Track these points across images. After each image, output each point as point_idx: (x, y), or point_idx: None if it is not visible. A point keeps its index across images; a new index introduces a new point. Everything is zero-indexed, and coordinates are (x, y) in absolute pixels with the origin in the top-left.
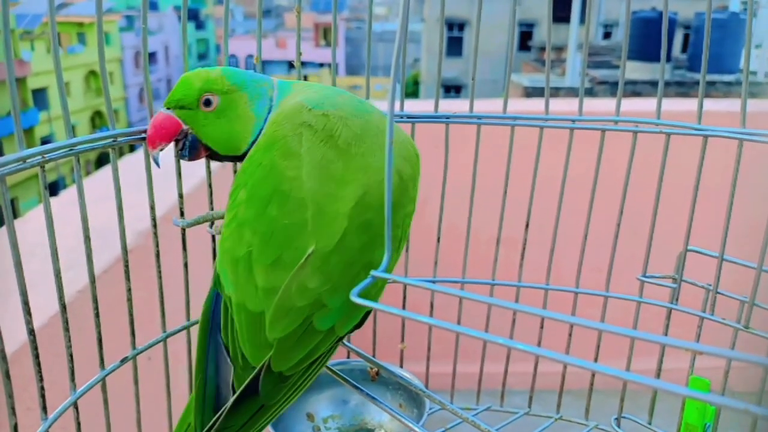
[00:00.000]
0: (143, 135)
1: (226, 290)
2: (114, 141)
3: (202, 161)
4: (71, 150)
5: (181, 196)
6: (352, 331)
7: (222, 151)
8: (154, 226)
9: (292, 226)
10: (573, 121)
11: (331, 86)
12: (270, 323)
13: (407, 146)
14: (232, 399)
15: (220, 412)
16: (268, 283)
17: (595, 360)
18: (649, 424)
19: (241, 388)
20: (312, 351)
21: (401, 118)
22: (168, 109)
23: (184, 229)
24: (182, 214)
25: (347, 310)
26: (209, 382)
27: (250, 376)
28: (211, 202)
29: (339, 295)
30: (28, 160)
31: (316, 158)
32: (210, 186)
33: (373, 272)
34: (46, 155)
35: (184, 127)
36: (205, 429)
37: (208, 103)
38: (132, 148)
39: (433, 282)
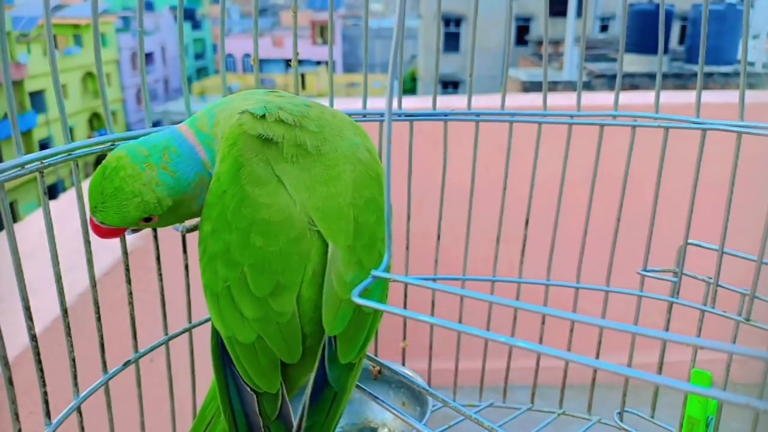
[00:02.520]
0: None
1: (213, 323)
2: (112, 145)
3: None
4: (70, 155)
5: None
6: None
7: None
8: (154, 229)
9: (283, 250)
10: (571, 116)
11: (246, 90)
12: (327, 324)
13: (356, 125)
14: (307, 397)
15: (301, 413)
16: (262, 312)
17: (597, 354)
18: (652, 417)
19: (311, 386)
20: (369, 333)
21: (399, 116)
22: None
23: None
24: None
25: (382, 284)
26: (237, 414)
27: (313, 374)
28: None
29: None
30: (27, 166)
31: (294, 174)
32: None
33: (373, 272)
34: (44, 161)
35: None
36: (294, 430)
37: (148, 219)
38: None
39: (434, 280)
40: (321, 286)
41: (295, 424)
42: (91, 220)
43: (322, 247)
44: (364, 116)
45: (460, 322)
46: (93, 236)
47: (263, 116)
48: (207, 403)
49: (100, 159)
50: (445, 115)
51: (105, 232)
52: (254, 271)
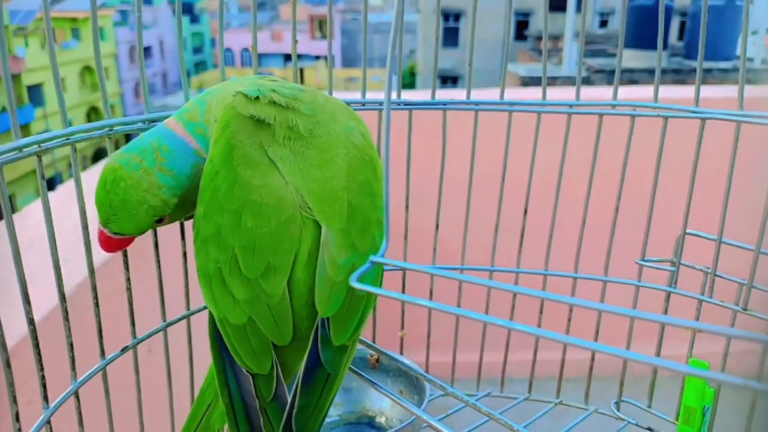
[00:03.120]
0: (140, 125)
1: (207, 305)
2: (110, 130)
3: None
4: (68, 139)
5: None
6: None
7: None
8: None
9: (275, 232)
10: (570, 106)
11: (239, 76)
12: (320, 306)
13: (350, 110)
14: (299, 378)
15: (293, 394)
16: (252, 294)
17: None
18: (649, 407)
19: (303, 367)
20: (362, 316)
21: (398, 105)
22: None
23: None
24: None
25: (375, 270)
26: (234, 396)
27: (306, 355)
28: None
29: (366, 257)
30: (25, 149)
31: (287, 157)
32: None
33: (371, 258)
34: (42, 144)
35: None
36: (286, 409)
37: (160, 220)
38: (128, 139)
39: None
40: (314, 269)
41: (288, 404)
42: (100, 234)
43: (316, 230)
44: (363, 105)
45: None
46: (91, 224)
47: (256, 98)
48: (205, 387)
49: (98, 153)
50: (444, 104)
51: (115, 244)
52: (245, 252)
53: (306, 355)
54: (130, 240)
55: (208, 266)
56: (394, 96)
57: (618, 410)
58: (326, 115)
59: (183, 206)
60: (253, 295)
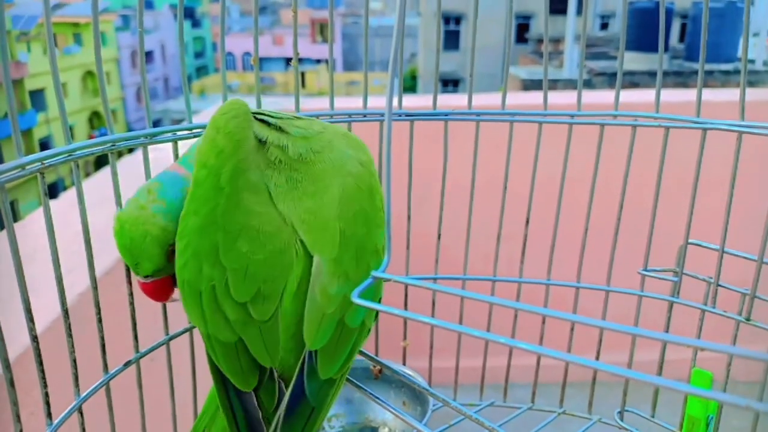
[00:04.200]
0: (142, 140)
1: (190, 318)
2: (113, 146)
3: None
4: (70, 156)
5: None
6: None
7: None
8: None
9: (269, 259)
10: (572, 116)
11: None
12: (308, 337)
13: (351, 138)
14: (282, 411)
15: (274, 427)
16: (243, 316)
17: (598, 353)
18: (653, 416)
19: (286, 398)
20: (352, 349)
21: (399, 116)
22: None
23: None
24: None
25: (374, 287)
26: (236, 409)
27: (291, 386)
28: None
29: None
30: (27, 167)
31: (281, 184)
32: None
33: (373, 273)
34: (45, 162)
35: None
36: None
37: (173, 252)
38: (130, 150)
39: (435, 280)
40: (303, 300)
41: None
42: (139, 284)
43: (308, 262)
44: (365, 116)
45: (460, 321)
46: (93, 236)
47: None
48: (210, 400)
49: (100, 159)
50: (446, 115)
51: (152, 289)
52: (236, 275)
53: (291, 388)
54: (166, 282)
55: (200, 282)
56: (395, 105)
57: (621, 420)
58: (322, 142)
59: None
60: (244, 317)
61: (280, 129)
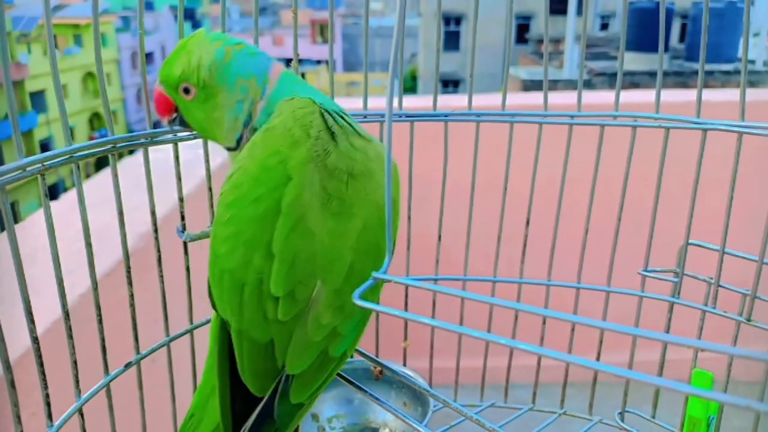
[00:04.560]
0: (142, 140)
1: (220, 311)
2: (113, 147)
3: (202, 161)
4: (71, 157)
5: (181, 200)
6: None
7: (205, 137)
8: (156, 231)
9: (308, 261)
10: (572, 116)
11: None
12: (289, 361)
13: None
14: (247, 427)
15: None
16: (279, 315)
17: (599, 353)
18: (653, 417)
19: (254, 415)
20: (327, 377)
21: (400, 117)
22: (161, 83)
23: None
24: (183, 218)
25: (358, 330)
26: (239, 414)
27: (260, 405)
28: (212, 206)
29: (352, 320)
30: (28, 169)
31: (317, 193)
32: (210, 189)
33: (374, 274)
34: (45, 163)
35: (174, 104)
36: None
37: (186, 91)
38: (131, 151)
39: (435, 281)
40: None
41: None
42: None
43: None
44: (365, 117)
45: (461, 321)
46: (93, 237)
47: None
48: (197, 401)
49: (100, 161)
50: (446, 116)
51: (157, 100)
52: (281, 267)
53: (260, 406)
54: (169, 105)
55: (247, 274)
56: (395, 106)
57: (622, 421)
58: (365, 168)
59: (204, 103)
60: (285, 316)
61: (333, 136)
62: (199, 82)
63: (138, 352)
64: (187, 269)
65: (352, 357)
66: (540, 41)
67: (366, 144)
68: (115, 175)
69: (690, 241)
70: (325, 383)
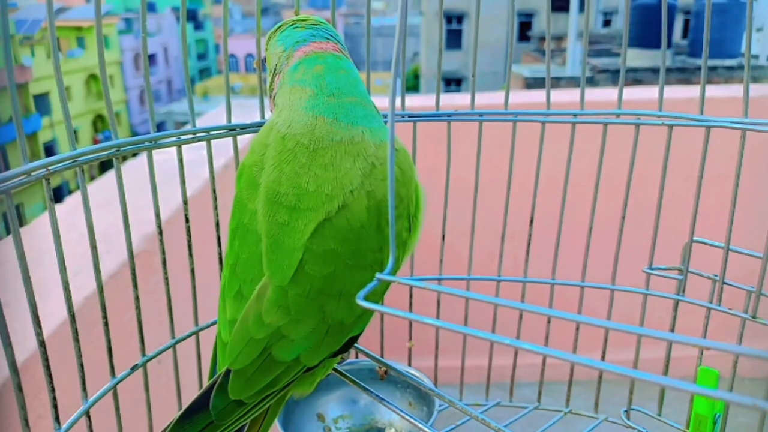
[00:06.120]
0: (146, 144)
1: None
2: (117, 150)
3: (205, 162)
4: (75, 161)
5: (185, 202)
6: (334, 356)
7: None
8: (160, 233)
9: (249, 260)
10: (575, 115)
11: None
12: (228, 354)
13: (401, 159)
14: (181, 411)
15: (168, 424)
16: (231, 315)
17: (604, 351)
18: (659, 415)
19: (193, 401)
20: (274, 381)
21: (402, 117)
22: None
23: (189, 235)
24: (187, 220)
25: (316, 340)
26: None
27: (200, 392)
28: (216, 207)
29: (303, 326)
30: (33, 174)
31: (271, 187)
32: (214, 191)
33: (378, 275)
34: (50, 168)
35: None
36: None
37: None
38: (135, 153)
39: (439, 281)
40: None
41: None
42: None
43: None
44: None
45: (465, 320)
46: (98, 239)
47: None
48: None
49: (105, 162)
50: (449, 116)
51: None
52: (229, 272)
53: (198, 395)
54: None
55: (222, 278)
56: (398, 105)
57: (628, 419)
58: (336, 162)
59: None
60: (233, 317)
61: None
62: (266, 45)
63: (144, 354)
64: (192, 271)
65: (325, 370)
66: (542, 39)
67: (356, 139)
68: (120, 179)
69: (694, 238)
70: (272, 387)
